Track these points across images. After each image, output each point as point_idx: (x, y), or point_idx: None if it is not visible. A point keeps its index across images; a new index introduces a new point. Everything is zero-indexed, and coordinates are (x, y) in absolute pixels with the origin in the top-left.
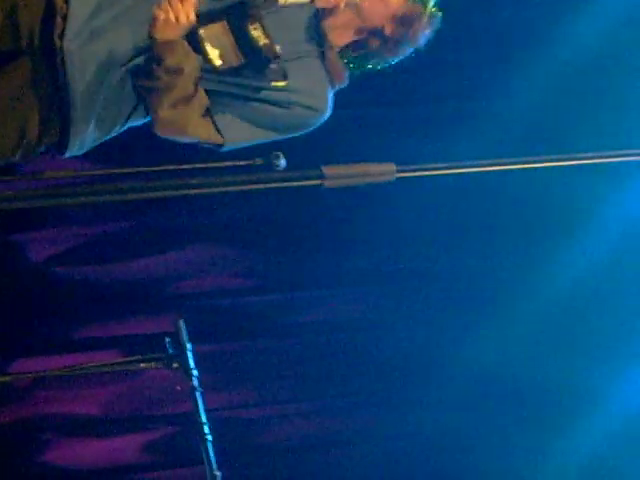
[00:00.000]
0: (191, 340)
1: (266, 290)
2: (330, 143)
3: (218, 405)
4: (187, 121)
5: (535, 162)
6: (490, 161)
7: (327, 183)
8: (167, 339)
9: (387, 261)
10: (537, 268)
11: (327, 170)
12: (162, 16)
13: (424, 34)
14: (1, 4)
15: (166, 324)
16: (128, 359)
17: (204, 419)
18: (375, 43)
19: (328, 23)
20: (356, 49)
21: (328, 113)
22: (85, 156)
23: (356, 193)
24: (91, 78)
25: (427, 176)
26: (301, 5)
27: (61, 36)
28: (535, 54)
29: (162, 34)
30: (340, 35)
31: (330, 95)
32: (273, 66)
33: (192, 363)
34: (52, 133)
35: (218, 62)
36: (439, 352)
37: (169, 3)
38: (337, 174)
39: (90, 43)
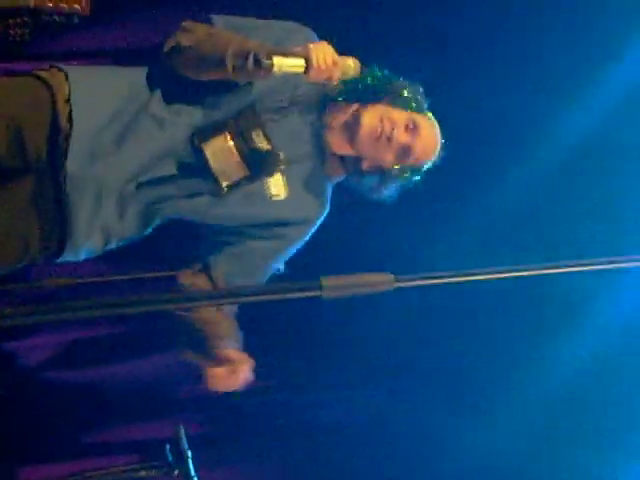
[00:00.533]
0: (191, 444)
1: (268, 391)
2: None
3: None
4: None
5: (532, 269)
6: (487, 269)
7: (325, 294)
8: (167, 446)
9: (386, 359)
10: (537, 363)
11: (325, 281)
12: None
13: (385, 193)
14: (8, 123)
15: (167, 429)
16: (129, 467)
17: None
18: (349, 166)
19: (329, 135)
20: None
21: (327, 209)
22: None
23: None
24: (90, 198)
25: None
26: (308, 106)
27: (64, 156)
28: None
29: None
30: (339, 146)
31: (329, 190)
32: (276, 176)
33: (192, 471)
34: (52, 245)
35: (224, 184)
36: (441, 447)
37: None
38: (335, 285)
39: (91, 164)
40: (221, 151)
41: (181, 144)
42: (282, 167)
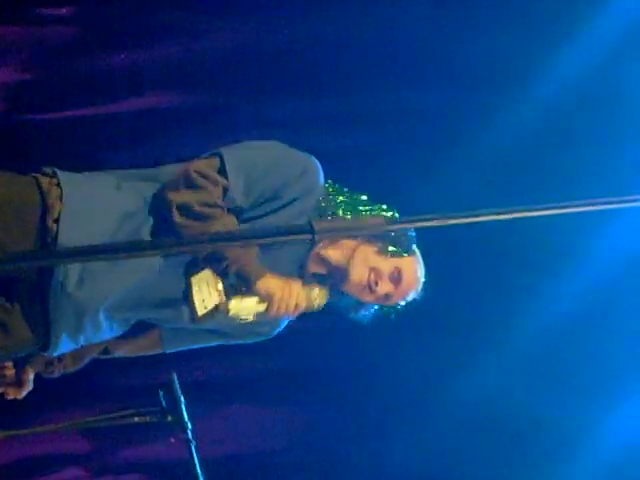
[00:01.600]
0: (185, 391)
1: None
2: None
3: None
4: None
5: (526, 211)
6: (476, 212)
7: (319, 236)
8: (160, 392)
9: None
10: (532, 302)
11: (317, 224)
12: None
13: (418, 283)
14: None
15: (161, 375)
16: (123, 413)
17: (199, 471)
18: (331, 283)
19: (313, 267)
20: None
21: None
22: None
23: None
24: (71, 318)
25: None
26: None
27: (50, 275)
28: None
29: None
30: (318, 267)
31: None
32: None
33: (186, 417)
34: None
35: (199, 311)
36: (437, 389)
37: None
38: (327, 228)
39: (79, 287)
40: (203, 283)
41: (166, 268)
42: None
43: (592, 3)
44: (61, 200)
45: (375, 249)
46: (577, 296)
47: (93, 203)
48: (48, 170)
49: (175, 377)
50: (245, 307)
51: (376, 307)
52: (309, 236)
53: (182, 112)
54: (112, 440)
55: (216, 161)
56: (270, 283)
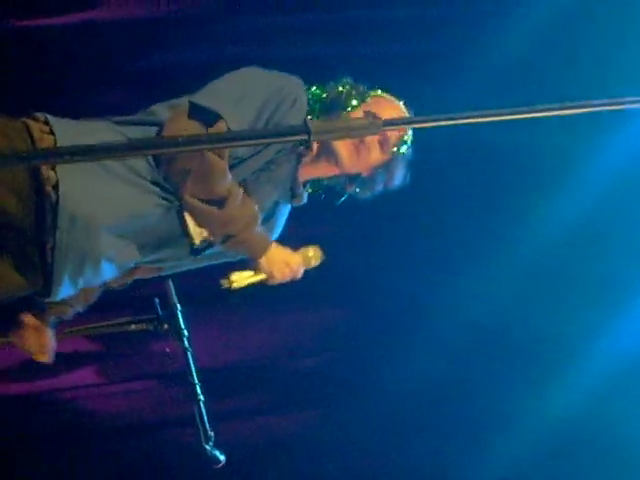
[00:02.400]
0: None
1: None
2: None
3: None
4: None
5: (526, 112)
6: (478, 112)
7: (313, 138)
8: (156, 300)
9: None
10: (527, 215)
11: (315, 125)
12: None
13: (399, 178)
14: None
15: (157, 284)
16: (120, 321)
17: (196, 380)
18: (350, 187)
19: (307, 171)
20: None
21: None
22: None
23: None
24: (73, 265)
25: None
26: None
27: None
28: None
29: None
30: (316, 174)
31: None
32: None
33: (182, 324)
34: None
35: (198, 240)
36: (433, 303)
37: None
38: (324, 128)
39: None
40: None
41: (162, 210)
42: None
43: None
44: (52, 135)
45: (339, 116)
46: (575, 209)
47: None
48: (40, 116)
49: (171, 284)
50: (246, 279)
51: (402, 164)
52: (305, 136)
53: None
54: (114, 346)
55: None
56: (271, 262)
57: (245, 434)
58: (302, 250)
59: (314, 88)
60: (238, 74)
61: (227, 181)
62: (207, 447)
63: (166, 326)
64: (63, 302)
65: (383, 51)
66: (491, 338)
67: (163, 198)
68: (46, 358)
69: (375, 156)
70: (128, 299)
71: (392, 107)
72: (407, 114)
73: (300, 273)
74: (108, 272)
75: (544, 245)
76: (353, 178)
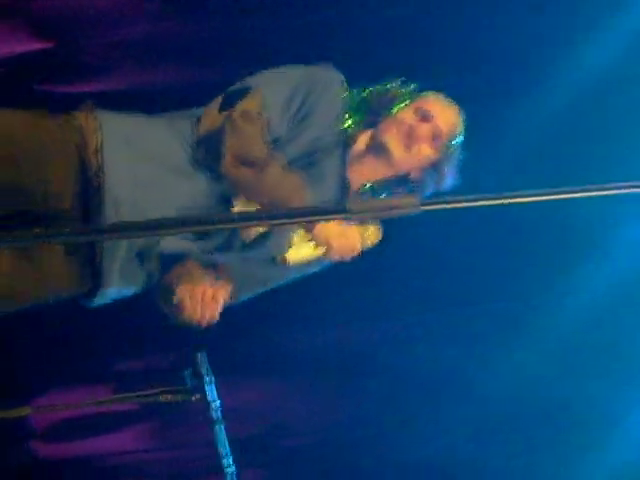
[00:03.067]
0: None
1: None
2: None
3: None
4: None
5: (551, 194)
6: (509, 194)
7: (352, 216)
8: (186, 372)
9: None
10: (562, 291)
11: (352, 204)
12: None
13: (450, 179)
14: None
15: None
16: (150, 392)
17: (226, 451)
18: (396, 185)
19: (356, 168)
20: (376, 187)
21: None
22: None
23: None
24: (122, 248)
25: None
26: (334, 150)
27: (98, 207)
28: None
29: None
30: (366, 177)
31: None
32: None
33: (211, 396)
34: (82, 286)
35: (248, 239)
36: (470, 373)
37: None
38: (361, 208)
39: (120, 214)
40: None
41: (206, 198)
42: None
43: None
44: (100, 131)
45: (388, 120)
46: (606, 286)
47: (130, 134)
48: (83, 107)
49: (201, 356)
50: (302, 253)
51: (452, 165)
52: (343, 215)
53: None
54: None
55: (255, 98)
56: (328, 231)
57: None
58: (362, 226)
59: (362, 89)
60: (272, 69)
61: (266, 147)
62: None
63: (195, 397)
64: None
65: None
66: (526, 410)
67: (207, 184)
68: (224, 295)
69: (426, 151)
70: (158, 372)
71: (443, 106)
72: (459, 116)
73: (358, 247)
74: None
75: (577, 322)
76: (401, 180)
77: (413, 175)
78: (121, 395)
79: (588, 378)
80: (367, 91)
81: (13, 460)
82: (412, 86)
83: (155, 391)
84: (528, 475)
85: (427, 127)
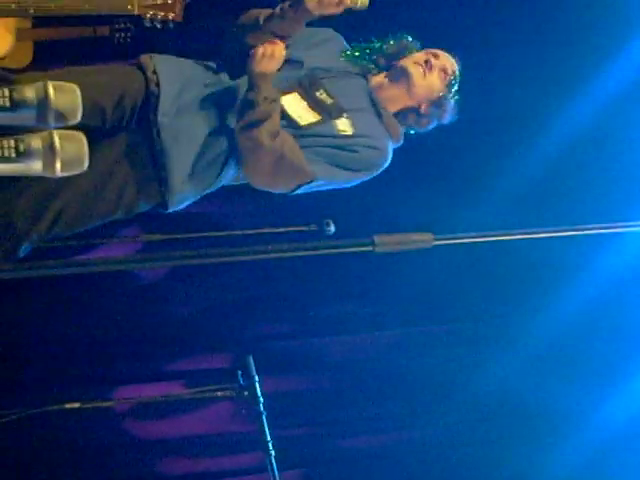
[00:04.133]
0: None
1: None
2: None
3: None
4: (285, 148)
5: (544, 232)
6: (516, 231)
7: (377, 249)
8: (239, 372)
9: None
10: (538, 313)
11: (377, 238)
12: (261, 51)
13: (451, 114)
14: (114, 91)
15: (240, 358)
16: (208, 388)
17: (269, 437)
18: (412, 117)
19: (380, 94)
20: (398, 119)
21: (388, 160)
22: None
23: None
24: (182, 144)
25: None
26: (354, 76)
27: (155, 113)
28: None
29: (260, 67)
30: (389, 104)
31: (390, 146)
32: (342, 119)
33: (259, 392)
34: (152, 194)
35: (302, 122)
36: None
37: (265, 46)
38: (385, 241)
39: (178, 117)
40: (293, 103)
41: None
42: (346, 113)
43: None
44: (156, 72)
45: (404, 58)
46: (581, 305)
47: (176, 59)
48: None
49: (251, 359)
50: None
51: (452, 102)
52: (369, 248)
53: None
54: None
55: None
56: None
57: None
58: None
59: (371, 40)
60: None
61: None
62: None
63: (246, 393)
64: None
65: None
66: (504, 410)
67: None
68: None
69: (436, 82)
70: (216, 371)
71: (447, 54)
72: (455, 73)
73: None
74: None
75: (549, 338)
76: (413, 109)
77: (423, 108)
78: (187, 391)
79: (557, 383)
80: (379, 41)
81: (101, 441)
82: (418, 43)
83: (214, 387)
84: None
85: (438, 61)
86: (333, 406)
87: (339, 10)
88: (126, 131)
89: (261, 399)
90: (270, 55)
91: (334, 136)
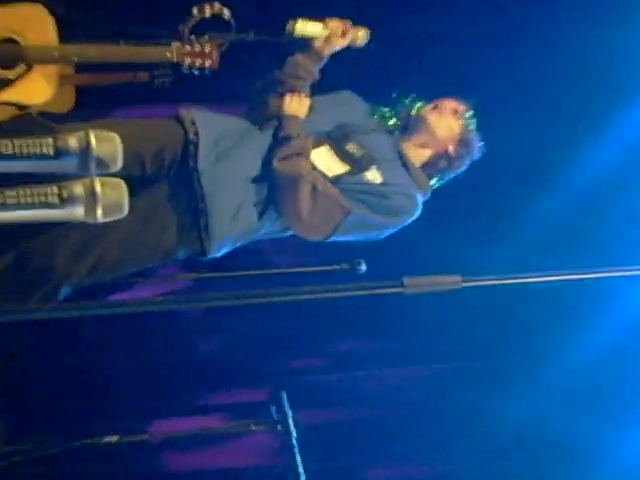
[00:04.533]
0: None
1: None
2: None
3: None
4: (320, 181)
5: (564, 274)
6: (537, 273)
7: (407, 291)
8: (273, 407)
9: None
10: (563, 351)
11: (407, 280)
12: (289, 96)
13: (480, 148)
14: (155, 144)
15: (273, 394)
16: (243, 422)
17: (301, 469)
18: (442, 163)
19: (405, 145)
20: (427, 168)
21: (418, 210)
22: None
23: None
24: (222, 191)
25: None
26: (381, 132)
27: (195, 160)
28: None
29: (290, 109)
30: (416, 155)
31: (419, 197)
32: (371, 169)
33: (292, 426)
34: (190, 241)
35: (330, 174)
36: (484, 414)
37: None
38: (414, 283)
39: (217, 164)
40: (322, 155)
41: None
42: (375, 164)
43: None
44: (194, 123)
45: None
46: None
47: (213, 113)
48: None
49: (284, 394)
50: (308, 28)
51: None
52: (399, 289)
53: None
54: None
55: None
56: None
57: None
58: (355, 28)
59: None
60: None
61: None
62: None
63: (279, 427)
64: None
65: None
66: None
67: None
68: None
69: (452, 121)
70: (248, 406)
71: (448, 99)
72: (466, 111)
73: (348, 37)
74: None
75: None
76: (442, 154)
77: (452, 149)
78: (223, 425)
79: (578, 418)
80: (396, 100)
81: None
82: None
83: (250, 422)
84: None
85: (445, 105)
86: (364, 439)
87: (345, 42)
88: (166, 179)
89: (294, 433)
90: (298, 99)
91: (363, 184)
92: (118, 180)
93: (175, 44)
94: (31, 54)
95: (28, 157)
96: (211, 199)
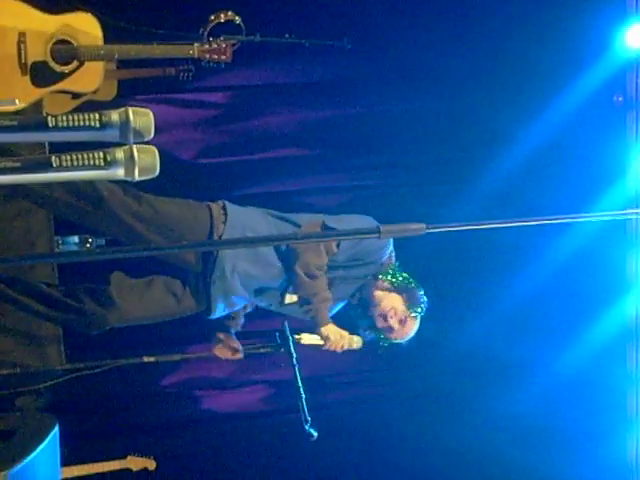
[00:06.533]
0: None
1: None
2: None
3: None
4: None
5: (520, 221)
6: (494, 221)
7: (382, 236)
8: (276, 333)
9: None
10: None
11: (382, 227)
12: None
13: (409, 335)
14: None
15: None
16: (253, 346)
17: (300, 383)
18: (381, 323)
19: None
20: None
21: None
22: None
23: None
24: (222, 296)
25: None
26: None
27: (214, 264)
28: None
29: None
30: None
31: None
32: None
33: (293, 349)
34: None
35: (286, 301)
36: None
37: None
38: (388, 230)
39: (231, 274)
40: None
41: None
42: None
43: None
44: (225, 224)
45: (403, 299)
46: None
47: (246, 229)
48: (220, 202)
49: (287, 324)
50: (310, 340)
51: (382, 337)
52: (376, 235)
53: None
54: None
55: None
56: (331, 330)
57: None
58: (350, 335)
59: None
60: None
61: (323, 263)
62: (305, 427)
63: (282, 350)
64: (234, 321)
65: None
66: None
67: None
68: (239, 355)
69: (380, 324)
70: (260, 332)
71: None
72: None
73: (345, 346)
74: (239, 302)
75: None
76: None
77: (375, 313)
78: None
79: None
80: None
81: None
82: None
83: (258, 345)
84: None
85: (396, 325)
86: None
87: (344, 349)
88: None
89: (294, 355)
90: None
91: None
92: (151, 147)
93: (196, 44)
94: (82, 52)
95: (79, 128)
96: (215, 300)
